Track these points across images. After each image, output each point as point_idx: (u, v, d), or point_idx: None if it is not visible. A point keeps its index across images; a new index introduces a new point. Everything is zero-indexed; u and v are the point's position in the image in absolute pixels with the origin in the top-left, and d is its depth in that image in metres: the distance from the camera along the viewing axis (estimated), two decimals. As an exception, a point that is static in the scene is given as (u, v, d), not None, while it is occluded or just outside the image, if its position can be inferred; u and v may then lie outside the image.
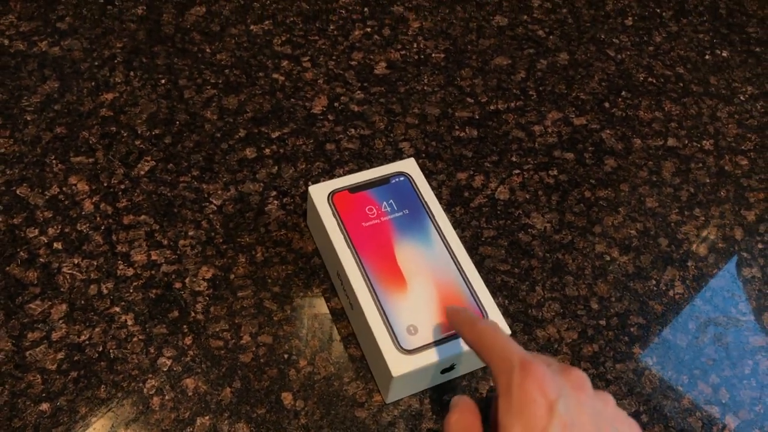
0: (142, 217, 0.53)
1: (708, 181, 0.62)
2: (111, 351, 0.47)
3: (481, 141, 0.61)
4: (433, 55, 0.67)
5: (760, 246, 0.59)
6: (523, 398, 0.34)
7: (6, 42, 0.62)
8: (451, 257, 0.48)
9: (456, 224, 0.56)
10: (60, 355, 0.47)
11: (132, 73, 0.62)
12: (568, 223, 0.57)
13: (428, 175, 0.59)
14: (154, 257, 0.51)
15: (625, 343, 0.52)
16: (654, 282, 0.55)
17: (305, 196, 0.56)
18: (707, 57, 0.72)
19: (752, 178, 0.63)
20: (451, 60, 0.67)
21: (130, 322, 0.48)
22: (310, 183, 0.57)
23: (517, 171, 0.60)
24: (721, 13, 0.77)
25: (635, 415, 0.48)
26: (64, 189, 0.54)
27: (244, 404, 0.46)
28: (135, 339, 0.48)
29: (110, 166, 0.56)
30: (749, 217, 0.60)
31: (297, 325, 0.50)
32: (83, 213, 0.53)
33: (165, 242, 0.52)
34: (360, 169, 0.58)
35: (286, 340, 0.49)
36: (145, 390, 0.46)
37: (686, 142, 0.64)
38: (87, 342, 0.47)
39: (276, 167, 0.57)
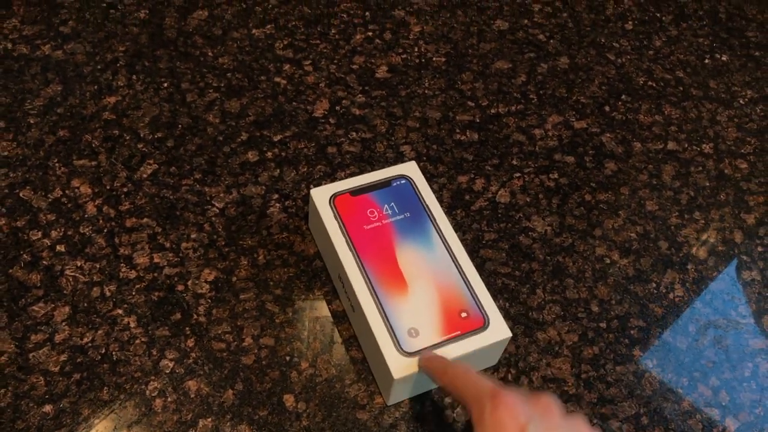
0: (145, 219, 0.54)
1: (708, 184, 0.62)
2: (114, 353, 0.47)
3: (481, 144, 0.62)
4: (434, 58, 0.67)
5: (759, 249, 0.59)
6: (496, 425, 0.35)
7: (9, 45, 0.63)
8: (452, 260, 0.48)
9: (457, 227, 0.56)
10: (63, 357, 0.47)
11: (134, 77, 0.62)
12: (568, 226, 0.58)
13: (429, 178, 0.59)
14: (156, 260, 0.52)
15: (625, 346, 0.52)
16: (654, 285, 0.55)
17: (307, 199, 0.56)
18: (707, 61, 0.72)
19: (752, 181, 0.63)
20: (452, 64, 0.67)
21: (132, 325, 0.49)
22: (311, 186, 0.57)
23: (517, 174, 0.60)
24: (720, 18, 0.77)
25: (635, 418, 0.49)
26: (67, 192, 0.54)
27: (246, 406, 0.46)
28: (137, 341, 0.48)
29: (113, 169, 0.56)
30: (749, 221, 0.60)
31: (299, 327, 0.50)
32: (86, 216, 0.53)
33: (167, 245, 0.52)
34: (361, 172, 0.58)
35: (288, 342, 0.49)
36: (147, 392, 0.46)
37: (686, 145, 0.65)
38: (90, 344, 0.47)
39: (278, 170, 0.58)
